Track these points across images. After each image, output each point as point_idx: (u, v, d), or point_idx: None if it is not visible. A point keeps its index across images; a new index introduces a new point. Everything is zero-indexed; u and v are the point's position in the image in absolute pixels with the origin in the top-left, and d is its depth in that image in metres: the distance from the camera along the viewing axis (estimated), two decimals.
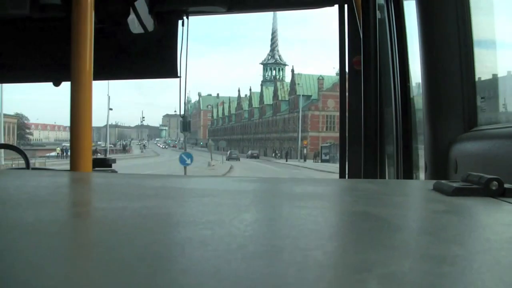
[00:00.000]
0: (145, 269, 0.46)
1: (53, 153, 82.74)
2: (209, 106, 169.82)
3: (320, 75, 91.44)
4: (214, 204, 0.92)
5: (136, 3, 3.37)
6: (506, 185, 0.97)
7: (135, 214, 0.82)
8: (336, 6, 3.52)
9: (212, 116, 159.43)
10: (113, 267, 0.48)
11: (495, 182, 0.96)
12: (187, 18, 3.75)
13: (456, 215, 0.82)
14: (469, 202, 0.90)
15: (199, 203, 0.93)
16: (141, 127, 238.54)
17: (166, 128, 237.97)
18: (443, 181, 1.09)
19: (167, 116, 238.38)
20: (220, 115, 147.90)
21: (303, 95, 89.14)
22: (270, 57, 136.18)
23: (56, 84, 3.80)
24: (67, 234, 0.67)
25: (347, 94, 3.52)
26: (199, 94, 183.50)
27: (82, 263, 0.50)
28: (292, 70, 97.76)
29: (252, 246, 0.55)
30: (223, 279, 0.43)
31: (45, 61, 3.76)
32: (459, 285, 0.43)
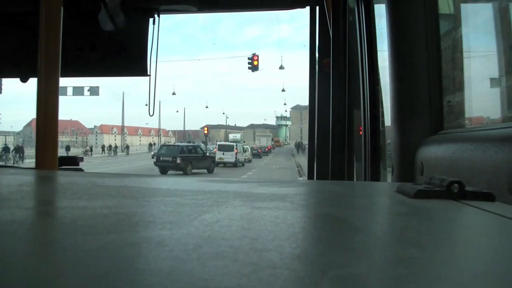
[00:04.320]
0: (100, 269, 0.46)
1: None
2: None
3: None
4: (175, 204, 0.91)
5: (107, 0, 3.34)
6: (467, 188, 0.98)
7: (95, 213, 0.81)
8: (308, 8, 3.54)
9: None
10: (68, 267, 0.47)
11: (456, 185, 0.97)
12: (158, 16, 3.73)
13: (417, 217, 0.83)
14: (431, 204, 0.91)
15: (161, 203, 0.93)
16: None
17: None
18: (406, 183, 1.10)
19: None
20: None
21: None
22: None
23: (23, 80, 3.74)
24: (25, 234, 0.66)
25: (316, 95, 3.54)
26: None
27: (37, 264, 0.50)
28: None
29: (209, 247, 0.55)
30: (177, 279, 0.43)
31: (13, 56, 3.70)
32: (415, 287, 0.43)
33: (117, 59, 3.81)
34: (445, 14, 2.29)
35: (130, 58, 3.80)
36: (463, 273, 0.49)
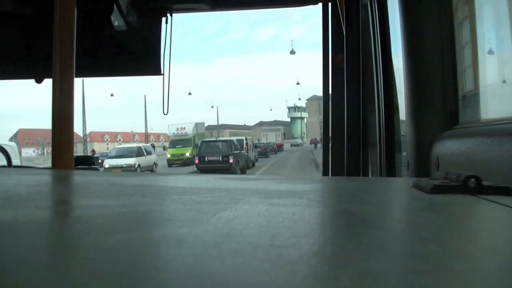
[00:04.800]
0: (120, 267, 0.46)
1: None
2: None
3: None
4: (193, 202, 0.92)
5: (119, 0, 3.35)
6: (484, 183, 0.98)
7: (113, 212, 0.81)
8: (320, 4, 3.53)
9: None
10: (88, 265, 0.48)
11: (473, 180, 0.97)
12: (171, 15, 3.74)
13: (435, 212, 0.82)
14: (448, 199, 0.91)
15: (178, 201, 0.93)
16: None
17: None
18: (422, 178, 1.10)
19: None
20: None
21: None
22: None
23: (38, 81, 3.77)
24: (44, 233, 0.67)
25: (330, 92, 3.53)
26: None
27: (58, 263, 0.50)
28: None
29: (228, 244, 0.55)
30: (198, 276, 0.44)
31: (27, 57, 3.72)
32: (435, 283, 0.43)
33: (131, 58, 3.83)
34: (459, 6, 2.28)
35: (143, 58, 3.82)
36: (483, 268, 0.49)
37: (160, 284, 0.41)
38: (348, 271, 0.45)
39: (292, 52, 77.46)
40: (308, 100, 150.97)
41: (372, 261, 0.49)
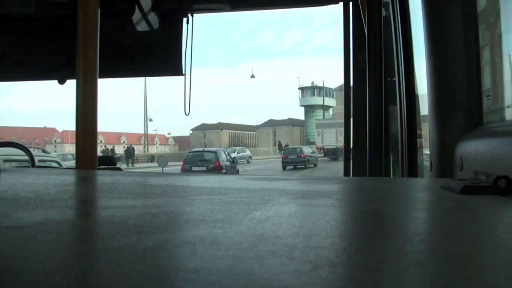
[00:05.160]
0: (159, 269, 0.47)
1: None
2: None
3: None
4: (222, 202, 0.92)
5: (141, 1, 3.37)
6: None
7: (144, 212, 0.82)
8: (341, 4, 3.52)
9: None
10: (126, 266, 0.48)
11: (503, 180, 0.96)
12: (192, 16, 3.75)
13: (467, 213, 0.82)
14: (478, 200, 0.90)
15: (208, 202, 0.94)
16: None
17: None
18: (451, 179, 1.09)
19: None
20: None
21: None
22: None
23: (61, 82, 3.81)
24: (78, 233, 0.68)
25: (351, 91, 3.53)
26: None
27: (94, 263, 0.51)
28: None
29: (264, 245, 0.55)
30: (238, 278, 0.44)
31: (51, 59, 3.76)
32: (476, 284, 0.43)
33: (152, 59, 3.85)
34: (483, 5, 2.25)
35: (165, 58, 3.84)
36: None
37: (202, 286, 0.41)
38: (388, 273, 0.45)
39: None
40: (336, 90, 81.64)
41: (413, 263, 0.48)
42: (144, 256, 0.52)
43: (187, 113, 4.00)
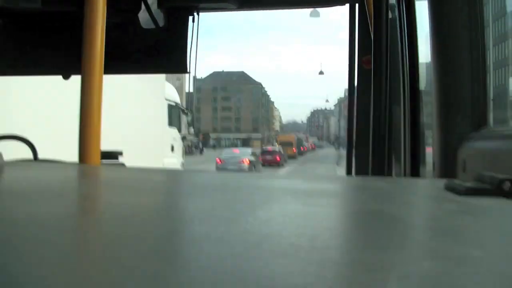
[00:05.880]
0: (162, 267, 0.46)
1: None
2: None
3: None
4: (226, 200, 0.92)
5: None
6: None
7: (147, 209, 0.82)
8: (347, 5, 3.52)
9: None
10: (129, 263, 0.48)
11: (507, 182, 0.96)
12: (198, 14, 3.75)
13: (471, 215, 0.82)
14: (482, 202, 0.90)
15: (211, 199, 0.94)
16: None
17: None
18: (455, 180, 1.09)
19: None
20: None
21: None
22: None
23: (66, 77, 3.81)
24: (82, 229, 0.67)
25: (355, 92, 3.52)
26: None
27: (98, 260, 0.51)
28: None
29: (269, 245, 0.55)
30: (243, 277, 0.43)
31: (56, 54, 3.76)
32: (479, 287, 0.43)
33: (158, 56, 3.85)
34: (489, 7, 2.26)
35: (170, 56, 3.83)
36: None
37: (206, 284, 0.41)
38: (395, 275, 0.45)
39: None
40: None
41: (418, 264, 0.49)
42: (148, 253, 0.52)
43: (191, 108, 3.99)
